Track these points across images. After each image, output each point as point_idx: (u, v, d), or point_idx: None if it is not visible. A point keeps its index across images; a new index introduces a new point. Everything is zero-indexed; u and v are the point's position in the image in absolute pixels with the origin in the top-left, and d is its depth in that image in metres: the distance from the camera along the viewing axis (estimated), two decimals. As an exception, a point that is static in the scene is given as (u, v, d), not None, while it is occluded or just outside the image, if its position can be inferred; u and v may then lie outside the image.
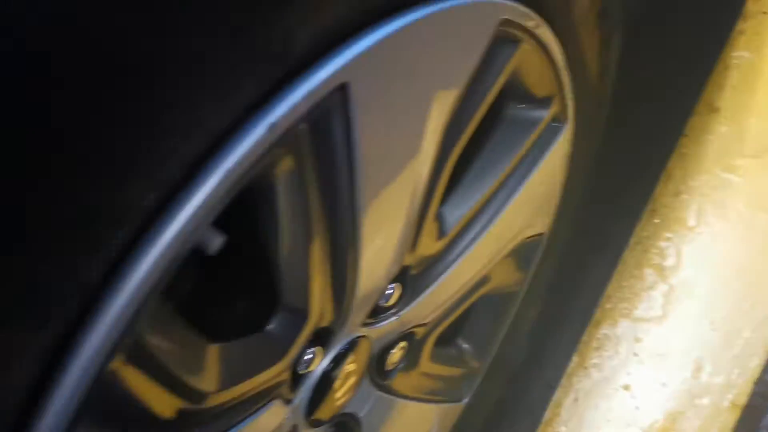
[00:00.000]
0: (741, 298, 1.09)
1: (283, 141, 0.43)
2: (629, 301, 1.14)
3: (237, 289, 0.54)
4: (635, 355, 1.12)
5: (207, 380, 0.49)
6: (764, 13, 1.16)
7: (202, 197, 0.39)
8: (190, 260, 0.42)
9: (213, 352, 0.50)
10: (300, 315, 0.57)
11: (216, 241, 0.45)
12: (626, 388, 1.11)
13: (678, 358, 1.10)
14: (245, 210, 0.46)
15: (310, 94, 0.42)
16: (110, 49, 0.31)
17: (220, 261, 0.47)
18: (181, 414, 0.47)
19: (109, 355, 0.38)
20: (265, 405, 0.59)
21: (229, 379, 0.52)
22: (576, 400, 1.14)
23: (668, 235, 1.14)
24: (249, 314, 0.55)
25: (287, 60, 0.39)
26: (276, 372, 0.58)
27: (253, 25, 0.34)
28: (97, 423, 0.40)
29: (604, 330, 1.15)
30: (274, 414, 0.61)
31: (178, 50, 0.32)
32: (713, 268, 1.11)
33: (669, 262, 1.13)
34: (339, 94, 0.44)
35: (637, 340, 1.12)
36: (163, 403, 0.45)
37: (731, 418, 1.06)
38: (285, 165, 0.45)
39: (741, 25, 1.17)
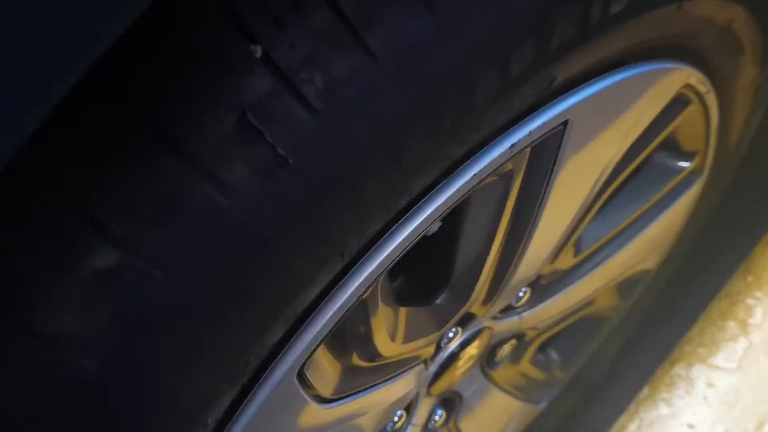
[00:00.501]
0: (817, 368, 1.15)
1: (512, 158, 0.53)
2: (708, 348, 1.21)
3: (423, 267, 0.64)
4: (705, 398, 1.19)
5: (393, 336, 0.60)
6: None
7: (453, 191, 0.49)
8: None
9: (402, 313, 0.60)
10: (462, 297, 0.67)
11: (435, 226, 0.55)
12: (690, 426, 1.19)
13: (744, 409, 1.16)
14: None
15: (547, 123, 0.51)
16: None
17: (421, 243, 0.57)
18: (377, 359, 0.58)
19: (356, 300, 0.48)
20: (413, 366, 0.70)
21: (405, 337, 0.62)
22: (640, 428, 1.22)
23: (758, 294, 1.21)
24: (427, 289, 0.65)
25: (540, 97, 0.49)
26: (431, 340, 0.68)
27: (545, 73, 0.44)
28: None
29: (678, 369, 1.22)
30: (416, 375, 0.72)
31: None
32: (796, 334, 1.17)
33: (754, 319, 1.20)
34: (561, 127, 0.54)
35: (710, 385, 1.19)
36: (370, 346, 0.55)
37: (785, 476, 1.12)
38: (502, 176, 0.55)
39: None
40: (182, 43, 0.32)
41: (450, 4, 0.37)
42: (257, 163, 0.35)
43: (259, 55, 0.33)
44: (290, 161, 0.35)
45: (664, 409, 1.21)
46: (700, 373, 1.20)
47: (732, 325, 1.21)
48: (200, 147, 0.33)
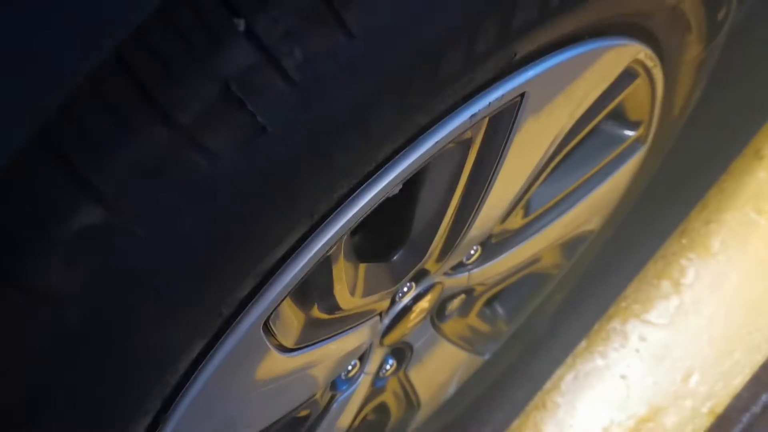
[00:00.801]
0: (740, 325, 1.23)
1: (471, 127, 0.56)
2: (642, 305, 1.29)
3: (383, 226, 0.67)
4: (637, 351, 1.27)
5: (353, 291, 0.63)
6: (825, 81, 1.28)
7: (416, 158, 0.52)
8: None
9: (361, 269, 0.64)
10: (417, 255, 0.71)
11: (396, 189, 0.58)
12: (623, 377, 1.27)
13: (673, 362, 1.25)
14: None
15: (506, 95, 0.55)
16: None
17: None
18: (337, 311, 0.61)
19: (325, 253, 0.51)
20: (369, 319, 0.73)
21: (364, 291, 0.66)
22: (576, 378, 1.29)
23: (691, 255, 1.28)
24: (386, 246, 0.68)
25: (500, 71, 0.52)
26: (387, 294, 0.72)
27: (505, 50, 0.47)
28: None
29: (614, 324, 1.29)
30: (371, 327, 0.75)
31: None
32: (723, 293, 1.25)
33: (686, 279, 1.27)
34: (519, 98, 0.57)
35: (642, 339, 1.27)
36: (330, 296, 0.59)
37: (706, 422, 1.21)
38: (460, 143, 0.58)
39: (801, 88, 1.29)
40: (171, 16, 0.34)
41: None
42: (238, 130, 0.37)
43: (242, 28, 0.35)
44: (269, 129, 0.38)
45: (599, 361, 1.28)
46: (634, 327, 1.28)
47: (666, 284, 1.28)
48: (186, 115, 0.35)
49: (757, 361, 1.21)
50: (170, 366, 0.46)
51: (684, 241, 1.29)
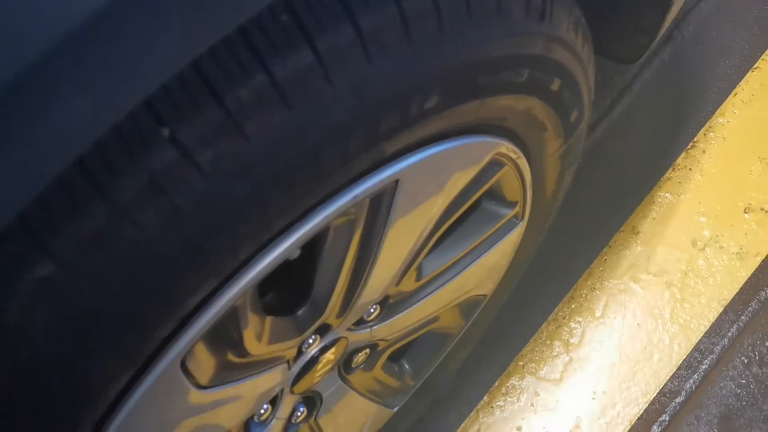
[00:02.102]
0: (621, 381, 1.39)
1: (355, 206, 0.70)
2: (537, 363, 1.44)
3: (287, 285, 0.80)
4: (532, 405, 1.41)
5: (260, 338, 0.76)
6: (689, 168, 1.48)
7: (306, 230, 0.66)
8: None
9: (268, 320, 0.77)
10: (317, 311, 0.84)
11: (296, 253, 0.72)
12: (519, 429, 1.40)
13: (563, 414, 1.39)
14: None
15: (380, 181, 0.69)
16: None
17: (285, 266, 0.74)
18: (246, 356, 0.73)
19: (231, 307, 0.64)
20: (277, 365, 0.86)
21: (270, 339, 0.78)
22: (479, 430, 1.42)
23: (579, 319, 1.45)
24: (289, 302, 0.81)
25: (379, 160, 0.67)
26: (292, 344, 0.85)
27: (374, 149, 0.62)
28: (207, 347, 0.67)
29: (513, 381, 1.44)
30: (280, 373, 0.88)
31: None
32: (605, 353, 1.41)
33: (574, 340, 1.43)
34: (394, 184, 0.72)
35: (536, 394, 1.42)
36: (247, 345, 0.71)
37: (591, 469, 1.35)
38: (348, 219, 0.73)
39: (670, 173, 1.49)
40: (116, 127, 0.47)
41: (304, 108, 0.55)
42: (161, 209, 0.50)
43: (166, 134, 0.49)
44: (185, 209, 0.51)
45: (498, 414, 1.42)
46: (529, 383, 1.43)
47: (557, 344, 1.44)
48: (123, 196, 0.49)
49: (635, 413, 1.37)
50: (99, 396, 0.58)
51: (573, 305, 1.46)
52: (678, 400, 1.35)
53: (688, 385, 1.35)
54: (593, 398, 1.39)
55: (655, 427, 1.35)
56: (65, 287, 0.49)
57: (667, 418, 1.35)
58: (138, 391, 0.62)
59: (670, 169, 1.48)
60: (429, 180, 0.78)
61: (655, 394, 1.36)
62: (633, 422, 1.36)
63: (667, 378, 1.37)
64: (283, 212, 0.61)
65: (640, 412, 1.37)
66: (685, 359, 1.36)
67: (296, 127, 0.55)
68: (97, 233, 0.49)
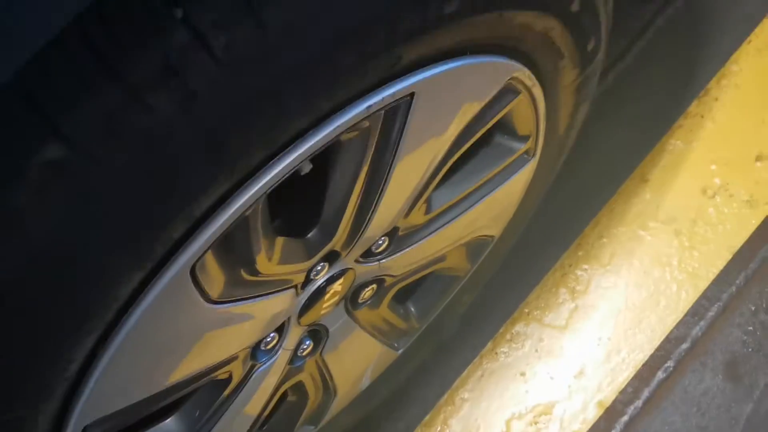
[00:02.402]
0: (626, 327, 1.38)
1: (369, 118, 0.68)
2: (542, 310, 1.43)
3: (299, 203, 0.79)
4: (536, 351, 1.41)
5: (270, 257, 0.75)
6: (701, 116, 1.46)
7: (322, 137, 0.64)
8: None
9: (279, 240, 0.75)
10: (328, 234, 0.83)
11: (307, 167, 0.70)
12: (522, 374, 1.40)
13: (567, 360, 1.39)
14: (325, 153, 0.71)
15: (396, 92, 0.68)
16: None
17: (297, 182, 0.72)
18: (256, 274, 0.72)
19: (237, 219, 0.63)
20: (285, 289, 0.84)
21: (280, 259, 0.77)
22: (482, 376, 1.42)
23: (585, 266, 1.44)
24: (299, 222, 0.80)
25: (393, 71, 0.65)
26: (301, 268, 0.83)
27: (392, 53, 0.60)
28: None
29: (518, 327, 1.43)
30: (287, 298, 0.86)
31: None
32: (611, 300, 1.40)
33: (580, 287, 1.42)
34: (408, 97, 0.70)
35: (541, 340, 1.41)
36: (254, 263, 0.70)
37: (595, 414, 1.35)
38: (361, 134, 0.71)
39: (681, 120, 1.47)
40: (125, 4, 0.45)
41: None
42: (174, 93, 0.48)
43: (180, 16, 0.47)
44: (198, 96, 0.49)
45: (503, 360, 1.41)
46: (534, 330, 1.42)
47: (563, 291, 1.43)
48: (135, 77, 0.47)
49: (640, 359, 1.36)
50: (110, 294, 0.56)
51: (580, 253, 1.45)
52: (684, 346, 1.35)
53: (694, 332, 1.35)
54: (598, 345, 1.39)
55: (659, 373, 1.34)
56: (75, 171, 0.48)
57: (672, 364, 1.34)
58: (148, 297, 0.61)
59: (682, 117, 1.46)
60: (445, 97, 0.76)
61: (660, 341, 1.35)
62: (638, 368, 1.36)
63: (673, 325, 1.36)
64: (297, 113, 0.59)
65: (645, 358, 1.36)
66: (691, 306, 1.36)
67: (314, 16, 0.53)
68: (108, 115, 0.47)
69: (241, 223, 0.65)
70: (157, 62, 0.47)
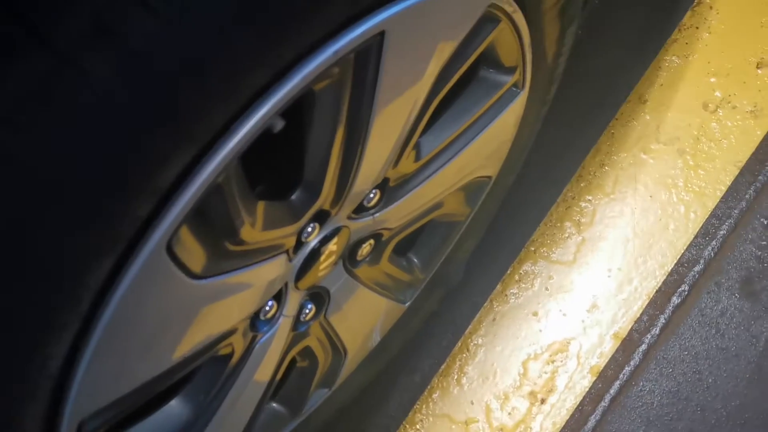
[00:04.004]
0: (636, 256, 1.35)
1: (338, 63, 0.63)
2: (549, 247, 1.39)
3: (278, 164, 0.74)
4: (546, 289, 1.38)
5: (253, 224, 0.71)
6: (696, 27, 1.40)
7: (288, 89, 0.59)
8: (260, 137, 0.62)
9: (260, 205, 0.71)
10: (313, 193, 0.78)
11: (279, 124, 0.66)
12: (535, 314, 1.37)
13: (579, 295, 1.36)
14: (299, 107, 0.67)
15: (364, 32, 0.62)
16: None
17: (273, 141, 0.68)
18: (240, 243, 0.68)
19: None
20: (275, 255, 0.81)
21: (264, 226, 0.73)
22: (494, 320, 1.39)
23: (589, 197, 1.39)
24: (282, 184, 0.76)
25: (357, 9, 0.60)
26: (289, 232, 0.79)
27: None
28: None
29: (525, 267, 1.40)
30: (280, 264, 0.83)
31: None
32: (618, 229, 1.37)
33: (585, 219, 1.38)
34: (379, 37, 0.65)
35: (550, 277, 1.38)
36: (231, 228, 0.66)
37: (612, 347, 1.32)
38: (333, 80, 0.66)
39: (676, 35, 1.41)
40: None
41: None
42: (110, 53, 0.44)
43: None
44: (137, 54, 0.45)
45: (513, 302, 1.38)
46: (542, 268, 1.39)
47: (568, 225, 1.39)
48: (66, 41, 0.42)
49: (653, 286, 1.33)
50: (78, 281, 0.52)
51: (582, 184, 1.40)
52: (697, 268, 1.31)
53: (706, 253, 1.31)
54: (609, 276, 1.35)
55: (674, 298, 1.31)
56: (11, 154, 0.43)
57: (687, 288, 1.31)
58: (123, 282, 0.57)
59: (676, 31, 1.40)
60: (418, 34, 0.70)
61: (672, 265, 1.32)
62: (651, 295, 1.33)
63: (684, 247, 1.32)
64: (257, 65, 0.54)
65: (658, 285, 1.33)
66: (702, 227, 1.32)
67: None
68: (38, 89, 0.42)
69: (215, 192, 0.60)
70: (87, 21, 0.43)
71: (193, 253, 0.64)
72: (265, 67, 0.55)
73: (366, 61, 0.67)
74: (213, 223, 0.64)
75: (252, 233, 0.71)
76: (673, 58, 1.40)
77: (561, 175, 1.40)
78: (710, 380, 1.27)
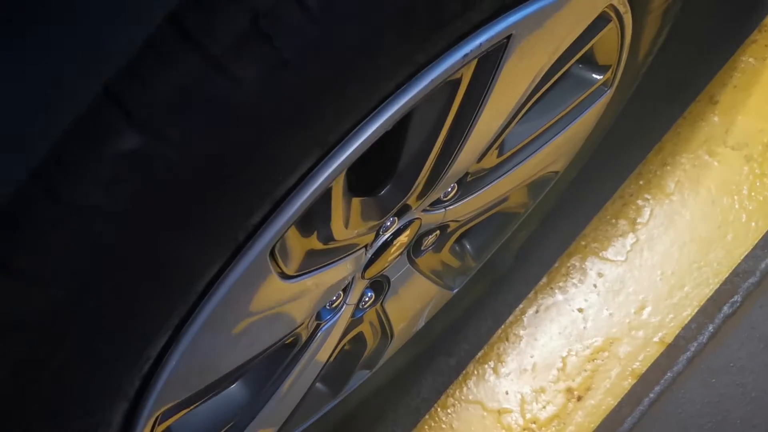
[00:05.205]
0: (691, 261, 1.31)
1: (463, 67, 0.59)
2: (600, 243, 1.36)
3: (369, 160, 0.70)
4: (594, 287, 1.35)
5: (346, 223, 0.67)
6: (776, 30, 1.34)
7: (415, 93, 0.55)
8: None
9: (354, 202, 0.67)
10: (403, 190, 0.75)
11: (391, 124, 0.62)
12: (580, 310, 1.34)
13: (627, 296, 1.33)
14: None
15: (494, 36, 0.58)
16: None
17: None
18: (330, 241, 0.65)
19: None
20: (357, 251, 0.77)
21: (355, 223, 0.69)
22: (537, 312, 1.37)
23: (647, 196, 1.35)
24: (375, 181, 0.72)
25: (492, 13, 0.55)
26: (374, 227, 0.76)
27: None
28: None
29: (574, 261, 1.37)
30: (357, 259, 0.80)
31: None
32: (676, 231, 1.33)
33: (642, 218, 1.35)
34: (505, 40, 0.61)
35: (599, 275, 1.35)
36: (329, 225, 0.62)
37: (657, 351, 1.30)
38: (451, 83, 0.62)
39: (755, 35, 1.35)
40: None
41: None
42: (264, 61, 0.40)
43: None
44: (291, 62, 0.40)
45: (559, 296, 1.36)
46: (592, 264, 1.35)
47: (623, 223, 1.36)
48: (218, 46, 0.38)
49: (705, 294, 1.30)
50: (194, 283, 0.49)
51: (641, 182, 1.36)
52: (752, 280, 1.28)
53: (763, 265, 1.27)
54: (660, 279, 1.32)
55: (725, 308, 1.28)
56: (151, 159, 0.40)
57: (739, 299, 1.28)
58: (222, 286, 0.54)
59: (756, 31, 1.34)
60: (540, 36, 0.66)
61: (727, 275, 1.29)
62: (702, 303, 1.30)
63: (741, 258, 1.29)
64: (393, 69, 0.50)
65: (711, 293, 1.30)
66: (761, 238, 1.28)
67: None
68: (187, 92, 0.38)
69: (324, 195, 0.57)
70: (243, 23, 0.38)
71: (291, 256, 0.61)
72: (400, 73, 0.51)
73: (486, 63, 0.62)
74: (315, 226, 0.61)
75: (344, 231, 0.68)
76: (750, 59, 1.34)
77: (620, 170, 1.36)
78: (753, 394, 1.25)
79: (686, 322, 1.30)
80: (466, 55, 0.57)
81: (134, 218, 0.41)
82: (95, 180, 0.38)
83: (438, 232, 0.99)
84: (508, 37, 0.61)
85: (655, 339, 1.31)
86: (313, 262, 0.68)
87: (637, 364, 1.31)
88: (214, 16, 0.37)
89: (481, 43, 0.57)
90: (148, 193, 0.40)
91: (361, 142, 0.53)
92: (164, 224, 0.42)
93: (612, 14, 0.78)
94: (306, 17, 0.40)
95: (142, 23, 0.34)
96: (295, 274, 0.64)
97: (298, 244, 0.61)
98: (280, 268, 0.60)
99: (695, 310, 1.30)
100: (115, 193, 0.39)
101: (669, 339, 1.30)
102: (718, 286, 1.29)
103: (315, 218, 0.60)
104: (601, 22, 0.78)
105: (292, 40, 0.40)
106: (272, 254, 0.57)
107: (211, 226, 0.46)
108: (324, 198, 0.58)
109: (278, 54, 0.40)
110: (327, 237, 0.65)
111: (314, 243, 0.65)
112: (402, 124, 0.66)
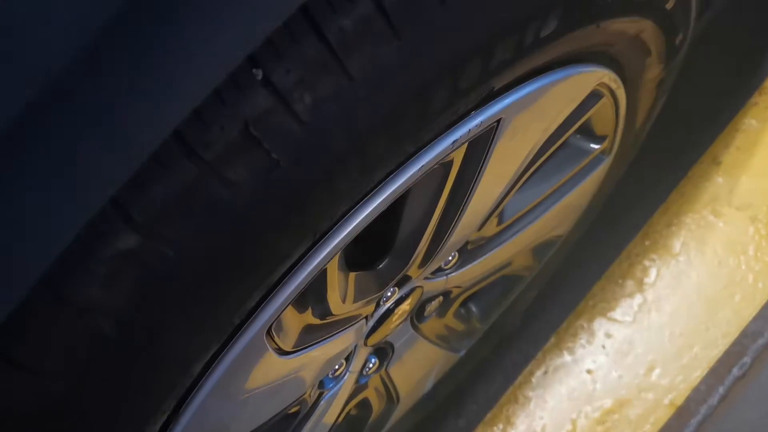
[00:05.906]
0: (699, 321, 1.31)
1: (453, 152, 0.61)
2: (608, 303, 1.36)
3: (366, 235, 0.73)
4: (603, 347, 1.34)
5: (344, 297, 0.69)
6: (777, 92, 1.36)
7: (405, 179, 0.58)
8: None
9: (351, 277, 0.69)
10: (402, 262, 0.77)
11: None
12: (589, 372, 1.34)
13: (636, 357, 1.32)
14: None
15: (483, 122, 0.60)
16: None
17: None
18: (329, 316, 0.66)
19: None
20: (356, 323, 0.79)
21: (353, 297, 0.71)
22: (546, 373, 1.36)
23: (653, 256, 1.36)
24: (374, 256, 0.74)
25: (486, 97, 0.58)
26: (373, 299, 0.78)
27: (486, 85, 0.53)
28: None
29: (582, 322, 1.37)
30: (358, 329, 0.81)
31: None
32: (683, 292, 1.33)
33: (649, 279, 1.35)
34: (495, 124, 0.63)
35: (608, 335, 1.35)
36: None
37: (667, 414, 1.29)
38: (443, 164, 0.64)
39: (756, 98, 1.37)
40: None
41: (414, 36, 0.45)
42: (255, 165, 0.42)
43: (260, 78, 0.40)
44: (281, 164, 0.43)
45: (567, 357, 1.36)
46: (600, 325, 1.35)
47: (630, 283, 1.36)
48: (210, 152, 0.40)
49: (714, 355, 1.30)
50: (190, 367, 0.51)
51: (647, 242, 1.37)
52: (761, 341, 1.27)
53: (772, 326, 1.27)
54: (669, 340, 1.32)
55: (735, 369, 1.28)
56: (149, 258, 0.42)
57: (749, 360, 1.27)
58: (222, 363, 0.56)
59: (757, 93, 1.36)
60: (530, 117, 0.68)
61: (736, 336, 1.28)
62: (712, 364, 1.29)
63: (750, 318, 1.28)
64: (383, 162, 0.53)
65: (720, 354, 1.29)
66: (769, 299, 1.28)
67: (405, 61, 0.46)
68: (183, 196, 0.41)
69: (320, 276, 0.59)
70: (236, 132, 0.41)
71: (287, 333, 0.62)
72: (390, 161, 0.53)
73: (476, 146, 0.65)
74: (311, 303, 0.63)
75: (341, 306, 0.70)
76: (752, 121, 1.36)
77: (626, 231, 1.37)
78: (766, 458, 1.23)
79: (696, 384, 1.29)
80: (455, 141, 0.59)
81: (134, 312, 0.43)
82: (95, 277, 0.41)
83: (441, 298, 1.00)
84: (498, 121, 0.63)
85: (665, 401, 1.30)
86: (312, 336, 0.69)
87: (648, 426, 1.29)
88: (209, 127, 0.40)
89: (470, 130, 0.60)
90: (146, 289, 0.43)
91: (354, 226, 0.55)
92: (161, 319, 0.44)
93: (605, 90, 0.81)
94: (296, 123, 0.43)
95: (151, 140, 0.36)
96: (293, 349, 0.66)
97: (294, 321, 0.63)
98: (277, 345, 0.62)
99: (705, 372, 1.29)
100: (113, 289, 0.41)
101: (679, 401, 1.29)
102: (727, 347, 1.29)
103: (310, 296, 0.62)
104: (593, 98, 0.80)
105: (282, 144, 0.43)
106: (269, 332, 0.59)
107: (208, 315, 0.48)
108: (319, 277, 0.60)
109: (268, 156, 0.42)
110: (324, 313, 0.67)
111: (311, 319, 0.66)
112: (398, 202, 0.69)
